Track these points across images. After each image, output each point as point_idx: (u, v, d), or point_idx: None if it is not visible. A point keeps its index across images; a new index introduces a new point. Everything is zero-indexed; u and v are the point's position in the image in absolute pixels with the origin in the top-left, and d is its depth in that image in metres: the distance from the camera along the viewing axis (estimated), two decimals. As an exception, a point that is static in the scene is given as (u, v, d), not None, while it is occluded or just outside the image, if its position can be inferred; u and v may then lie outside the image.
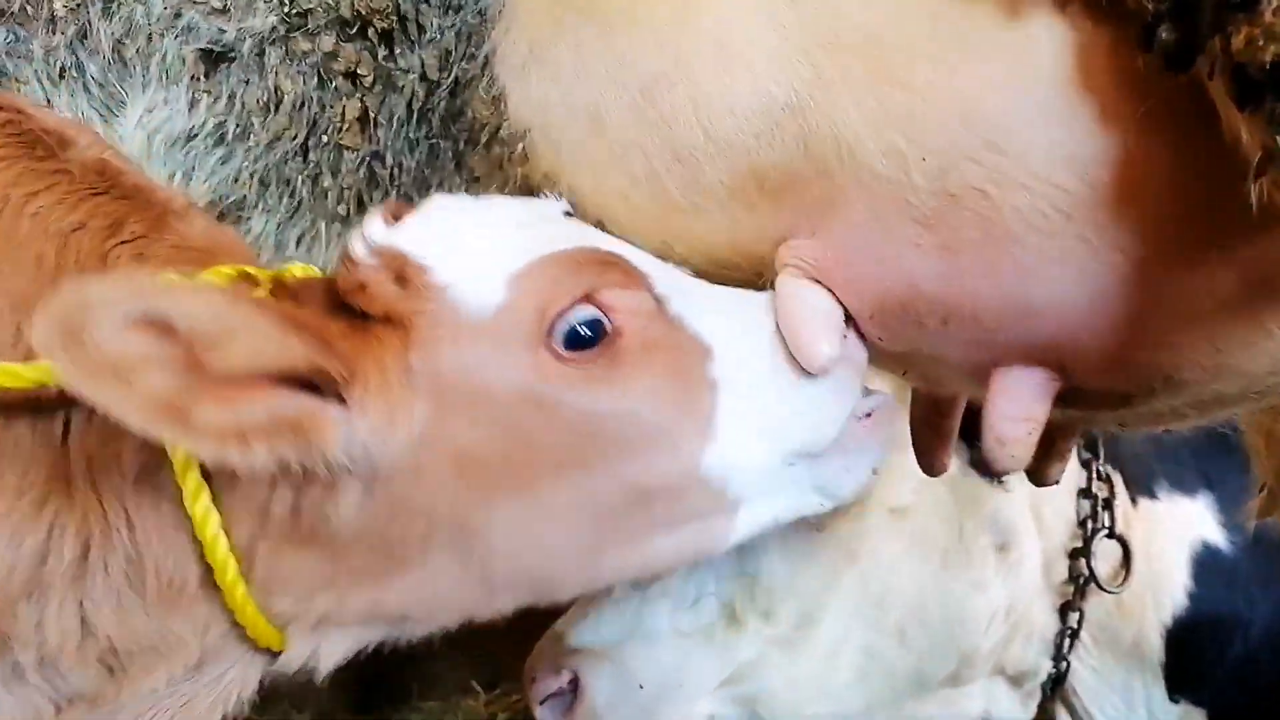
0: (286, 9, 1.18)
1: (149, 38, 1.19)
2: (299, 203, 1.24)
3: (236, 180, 1.22)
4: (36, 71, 1.19)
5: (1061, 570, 1.42)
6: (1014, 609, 1.41)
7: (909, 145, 0.71)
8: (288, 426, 0.68)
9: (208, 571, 0.75)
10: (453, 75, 1.20)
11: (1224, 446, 1.43)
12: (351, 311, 0.79)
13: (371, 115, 1.22)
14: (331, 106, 1.20)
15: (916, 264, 0.75)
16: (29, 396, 0.74)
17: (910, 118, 0.70)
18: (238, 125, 1.19)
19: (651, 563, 0.84)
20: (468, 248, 0.82)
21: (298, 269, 0.90)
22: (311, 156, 1.23)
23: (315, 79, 1.20)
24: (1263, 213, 0.58)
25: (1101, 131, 0.67)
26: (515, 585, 0.81)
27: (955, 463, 1.26)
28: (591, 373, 0.78)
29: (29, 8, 1.19)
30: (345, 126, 1.22)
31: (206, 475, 0.74)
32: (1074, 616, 1.42)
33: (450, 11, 1.21)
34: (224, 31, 1.19)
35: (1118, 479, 1.45)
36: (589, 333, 0.79)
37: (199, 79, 1.19)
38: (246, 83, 1.19)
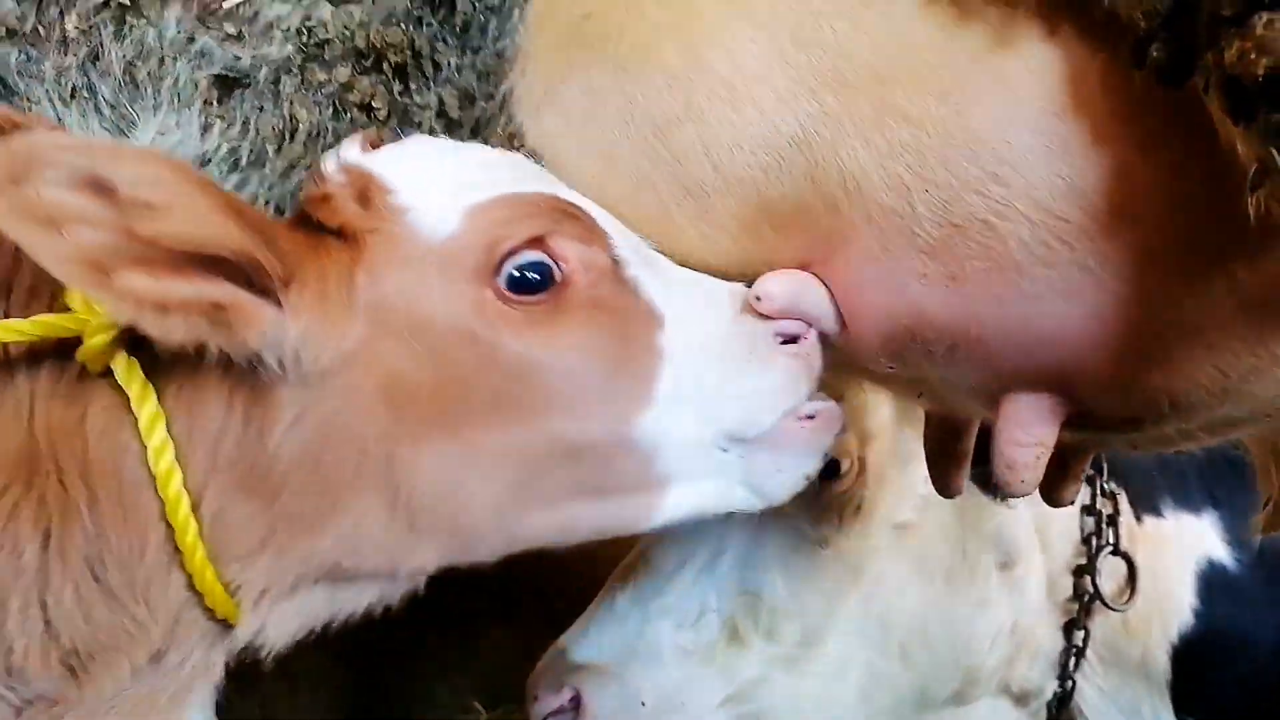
0: (303, 39, 1.19)
1: (161, 61, 1.20)
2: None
3: (252, 206, 1.23)
4: (48, 91, 1.21)
5: (1066, 588, 1.42)
6: (1018, 627, 1.41)
7: (913, 178, 0.72)
8: (210, 308, 0.69)
9: (169, 534, 0.75)
10: (474, 115, 1.22)
11: (1229, 464, 1.43)
12: (311, 224, 0.81)
13: (387, 149, 1.24)
14: (347, 137, 1.22)
15: (923, 294, 0.76)
16: None
17: (915, 151, 0.72)
18: (251, 152, 1.20)
19: (571, 529, 0.83)
20: (434, 177, 0.83)
21: None
22: (327, 187, 1.24)
23: (330, 109, 1.21)
24: (1261, 226, 0.58)
25: (1099, 160, 0.68)
26: (436, 532, 0.80)
27: (960, 481, 1.26)
28: (533, 318, 0.78)
29: (41, 28, 1.20)
30: (361, 159, 1.24)
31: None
32: (1079, 635, 1.41)
33: (469, 51, 1.22)
34: (239, 58, 1.20)
35: (1122, 496, 1.45)
36: (536, 277, 0.78)
37: (212, 104, 1.20)
38: (261, 110, 1.20)
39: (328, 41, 1.19)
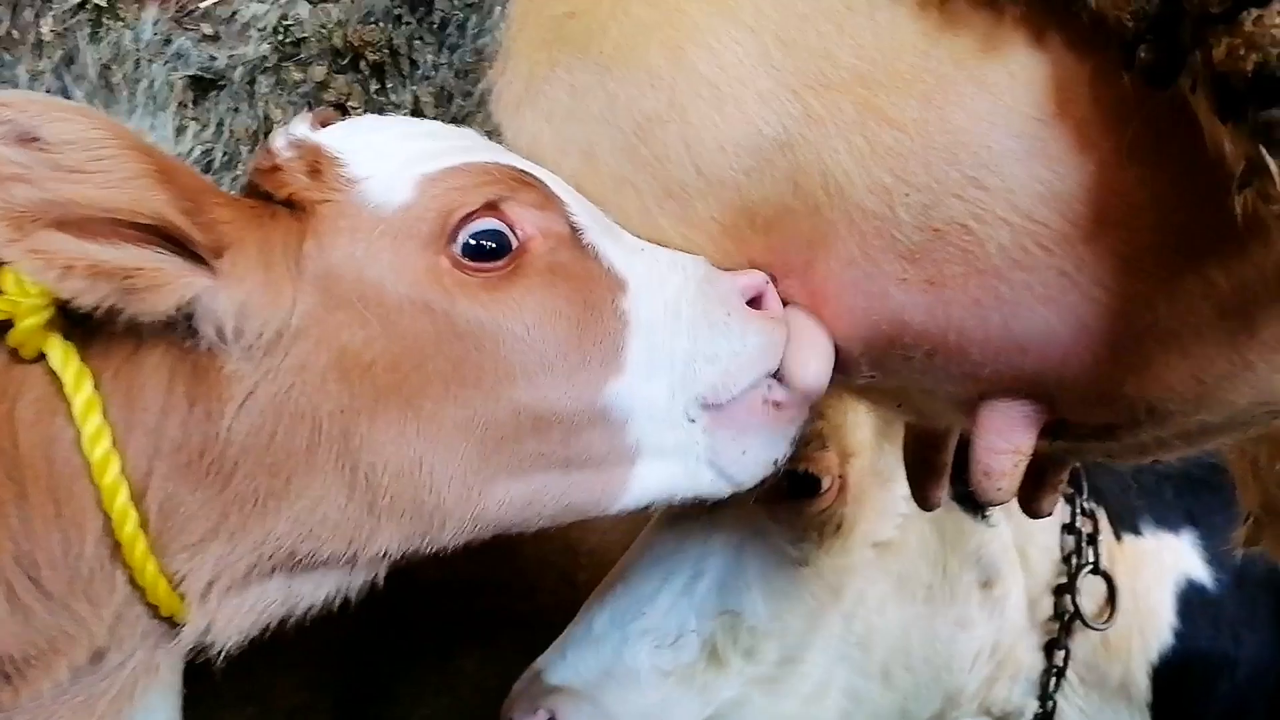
0: (280, 38, 1.20)
1: (136, 63, 1.19)
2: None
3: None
4: (22, 97, 1.19)
5: (1046, 607, 1.42)
6: (999, 647, 1.40)
7: (895, 181, 0.72)
8: (118, 273, 0.67)
9: (107, 525, 0.72)
10: (450, 113, 1.21)
11: (1207, 483, 1.44)
12: (260, 195, 0.79)
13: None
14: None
15: (903, 298, 0.76)
16: None
17: (897, 154, 0.72)
18: (225, 154, 1.20)
19: (539, 506, 0.80)
20: (385, 149, 0.82)
21: None
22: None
23: (306, 109, 1.21)
24: (1247, 225, 0.58)
25: (1078, 166, 0.68)
26: (397, 513, 0.77)
27: (939, 498, 1.26)
28: (491, 285, 0.77)
29: (15, 31, 1.19)
30: (335, 157, 1.23)
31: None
32: (1060, 655, 1.41)
33: (446, 49, 1.22)
34: (214, 59, 1.20)
35: (1101, 515, 1.45)
36: (492, 244, 0.77)
37: (187, 105, 1.20)
38: (235, 111, 1.19)
39: (304, 40, 1.19)
